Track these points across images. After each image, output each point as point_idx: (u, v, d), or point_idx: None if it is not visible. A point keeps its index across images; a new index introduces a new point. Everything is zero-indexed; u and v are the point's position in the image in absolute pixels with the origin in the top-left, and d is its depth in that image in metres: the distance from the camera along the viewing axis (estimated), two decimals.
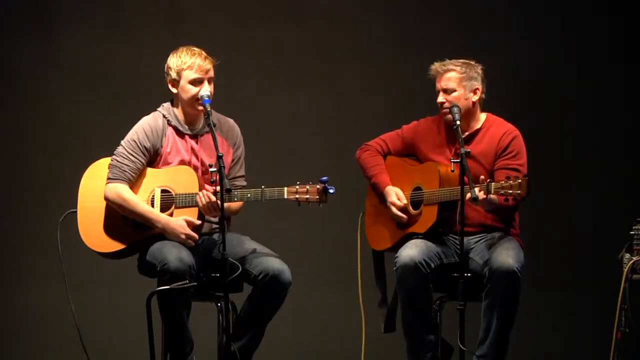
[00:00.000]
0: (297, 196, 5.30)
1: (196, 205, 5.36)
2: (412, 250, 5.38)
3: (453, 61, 5.59)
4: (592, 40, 7.15)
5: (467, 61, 5.59)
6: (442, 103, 5.56)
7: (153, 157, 5.48)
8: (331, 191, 5.28)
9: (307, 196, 5.29)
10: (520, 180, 5.20)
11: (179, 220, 5.35)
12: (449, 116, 5.51)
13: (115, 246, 5.43)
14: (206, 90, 5.41)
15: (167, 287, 5.20)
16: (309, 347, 7.05)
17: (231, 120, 5.62)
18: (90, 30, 7.07)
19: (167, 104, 5.55)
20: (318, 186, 5.28)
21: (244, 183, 5.59)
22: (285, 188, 5.31)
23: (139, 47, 7.10)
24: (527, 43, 7.14)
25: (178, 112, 5.52)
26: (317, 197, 5.28)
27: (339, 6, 7.18)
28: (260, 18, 7.15)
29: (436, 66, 5.60)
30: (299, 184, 5.30)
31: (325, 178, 5.28)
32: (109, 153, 5.52)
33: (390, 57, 7.15)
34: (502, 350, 5.39)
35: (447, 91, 5.56)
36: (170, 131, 5.50)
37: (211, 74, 5.45)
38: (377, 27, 7.19)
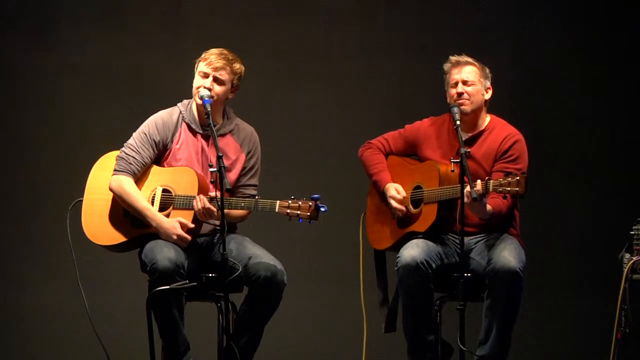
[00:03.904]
0: (288, 211, 5.31)
1: (193, 208, 5.37)
2: (413, 250, 5.38)
3: (469, 57, 5.62)
4: (592, 40, 7.15)
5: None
6: (461, 93, 5.56)
7: (162, 151, 5.51)
8: (323, 209, 5.29)
9: (299, 212, 5.31)
10: (518, 178, 5.20)
11: (173, 222, 5.36)
12: (466, 107, 5.53)
13: (114, 239, 5.45)
14: (206, 90, 5.42)
15: (167, 287, 5.20)
16: (310, 347, 7.05)
17: (251, 128, 5.64)
18: (91, 31, 7.08)
19: (187, 100, 5.58)
20: (310, 203, 5.29)
21: (254, 192, 5.59)
22: (278, 202, 5.33)
23: (139, 47, 7.10)
24: (527, 43, 7.14)
25: (194, 109, 5.54)
26: (308, 214, 5.29)
27: (338, 6, 7.18)
28: (260, 18, 7.15)
29: (456, 57, 5.62)
30: (292, 199, 5.30)
31: (317, 195, 5.29)
32: (110, 150, 5.54)
33: (390, 57, 7.15)
34: (503, 350, 5.39)
35: (466, 83, 5.57)
36: (184, 127, 5.53)
37: (220, 74, 5.46)
38: (377, 27, 7.19)
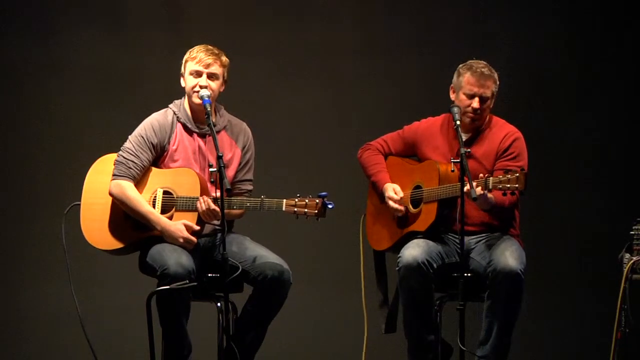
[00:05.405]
0: (295, 209, 5.31)
1: (196, 210, 5.36)
2: (414, 250, 5.38)
3: (489, 67, 5.54)
4: (592, 40, 7.15)
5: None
6: (477, 109, 5.52)
7: (159, 153, 5.50)
8: (330, 206, 5.29)
9: (306, 210, 5.30)
10: (518, 174, 5.21)
11: (178, 224, 5.35)
12: (478, 123, 5.53)
13: (115, 244, 5.44)
14: (205, 90, 5.42)
15: (167, 287, 5.20)
16: (310, 348, 7.05)
17: (244, 124, 5.64)
18: (91, 31, 7.07)
19: (179, 101, 5.57)
20: (317, 201, 5.29)
21: (251, 187, 5.59)
22: (284, 200, 5.33)
23: (139, 47, 7.10)
24: (526, 43, 7.13)
25: (187, 108, 5.53)
26: (316, 212, 5.30)
27: (338, 6, 7.18)
28: (260, 18, 7.15)
29: (480, 68, 5.51)
30: (298, 197, 5.30)
31: (324, 193, 5.29)
32: (109, 152, 5.54)
33: (389, 57, 7.14)
34: (504, 350, 5.39)
35: (484, 101, 5.52)
36: (179, 128, 5.52)
37: (214, 69, 5.46)
38: (376, 27, 7.19)
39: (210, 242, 5.52)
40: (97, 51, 7.08)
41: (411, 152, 5.74)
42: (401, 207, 5.56)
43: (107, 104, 7.06)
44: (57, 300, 6.85)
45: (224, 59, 5.52)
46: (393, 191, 5.60)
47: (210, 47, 5.51)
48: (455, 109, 5.44)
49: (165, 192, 5.44)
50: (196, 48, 5.50)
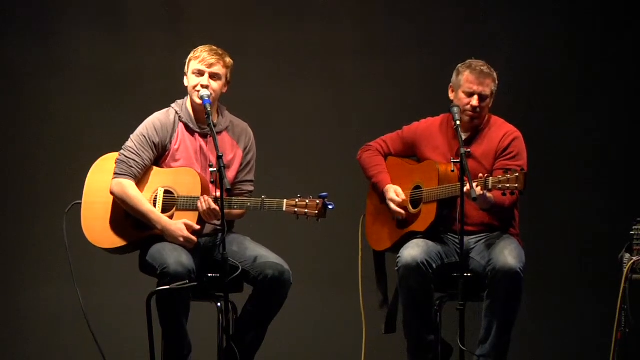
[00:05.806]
0: (295, 209, 5.31)
1: (197, 209, 5.36)
2: (414, 250, 5.38)
3: (488, 65, 5.55)
4: (592, 40, 7.15)
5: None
6: (476, 108, 5.53)
7: (161, 152, 5.50)
8: (330, 207, 5.29)
9: (306, 210, 5.30)
10: (517, 174, 5.21)
11: (178, 224, 5.35)
12: (477, 122, 5.53)
13: (116, 243, 5.44)
14: (205, 89, 5.42)
15: (167, 287, 5.20)
16: (310, 348, 7.05)
17: (245, 124, 5.64)
18: (91, 31, 7.08)
19: (181, 100, 5.57)
20: (317, 201, 5.29)
21: (251, 188, 5.59)
22: (285, 201, 5.32)
23: (139, 47, 7.11)
24: (526, 43, 7.13)
25: (189, 108, 5.53)
26: (316, 212, 5.29)
27: (338, 6, 7.18)
28: (260, 18, 7.15)
29: (480, 67, 5.53)
30: (299, 198, 5.30)
31: (325, 194, 5.29)
32: (109, 152, 5.54)
33: (389, 57, 7.15)
34: (503, 349, 5.40)
35: (483, 99, 5.53)
36: (181, 127, 5.52)
37: (216, 70, 5.46)
38: (376, 27, 7.19)
39: (211, 242, 5.52)
40: (97, 51, 7.08)
41: (411, 152, 5.74)
42: (402, 211, 5.56)
43: (107, 104, 7.06)
44: (57, 300, 6.85)
45: (228, 60, 5.52)
46: (395, 193, 5.60)
47: (214, 47, 5.52)
48: (455, 109, 5.44)
49: (166, 192, 5.45)
50: (200, 47, 5.51)
